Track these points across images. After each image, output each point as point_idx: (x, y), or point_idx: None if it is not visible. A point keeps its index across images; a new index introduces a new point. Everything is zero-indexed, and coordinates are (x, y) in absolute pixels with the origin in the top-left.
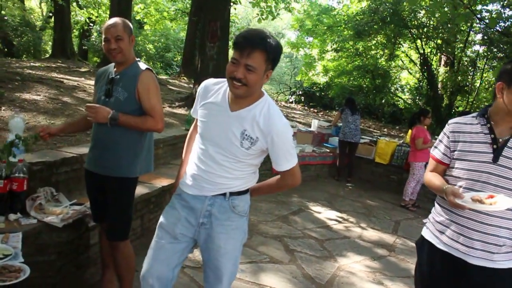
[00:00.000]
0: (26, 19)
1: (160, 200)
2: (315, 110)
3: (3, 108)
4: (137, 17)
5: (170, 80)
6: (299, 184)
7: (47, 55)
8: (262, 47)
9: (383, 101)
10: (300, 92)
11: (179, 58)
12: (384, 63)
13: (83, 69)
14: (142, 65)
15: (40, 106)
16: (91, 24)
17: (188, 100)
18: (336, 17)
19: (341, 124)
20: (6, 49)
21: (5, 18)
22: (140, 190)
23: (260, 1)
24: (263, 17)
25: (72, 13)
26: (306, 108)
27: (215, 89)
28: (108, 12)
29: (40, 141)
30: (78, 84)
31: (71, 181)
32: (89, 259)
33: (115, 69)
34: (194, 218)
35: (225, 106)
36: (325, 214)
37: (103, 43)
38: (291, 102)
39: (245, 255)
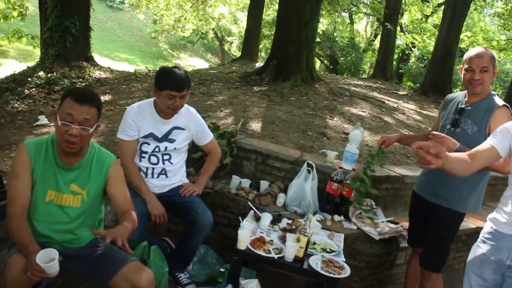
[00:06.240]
0: (353, 41)
1: (470, 240)
2: None
3: (335, 118)
4: (462, 45)
5: None
6: None
7: (363, 75)
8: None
9: None
10: None
11: (499, 92)
12: None
13: (401, 92)
14: (498, 100)
15: (365, 122)
16: (412, 49)
17: None
18: None
19: None
20: (331, 66)
21: (336, 39)
22: None
23: None
24: None
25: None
26: None
27: None
28: (432, 39)
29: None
30: (397, 106)
31: (388, 198)
32: (391, 277)
33: (465, 99)
34: (501, 259)
35: None
36: None
37: (463, 72)
38: None
39: None
